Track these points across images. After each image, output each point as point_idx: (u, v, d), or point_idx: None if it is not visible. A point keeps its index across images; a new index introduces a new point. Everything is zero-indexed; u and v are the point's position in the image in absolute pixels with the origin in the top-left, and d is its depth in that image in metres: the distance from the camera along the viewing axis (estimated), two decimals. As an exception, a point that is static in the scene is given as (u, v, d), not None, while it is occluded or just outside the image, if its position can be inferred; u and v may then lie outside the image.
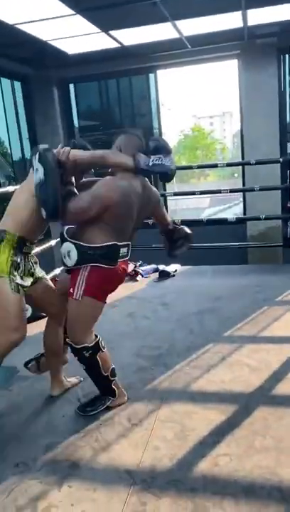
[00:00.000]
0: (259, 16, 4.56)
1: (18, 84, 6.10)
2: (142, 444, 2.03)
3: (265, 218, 5.02)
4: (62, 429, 2.22)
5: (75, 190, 2.17)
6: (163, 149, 2.17)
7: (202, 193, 6.34)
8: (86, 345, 2.22)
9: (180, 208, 21.27)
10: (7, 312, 2.08)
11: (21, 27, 4.29)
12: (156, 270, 4.95)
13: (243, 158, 5.84)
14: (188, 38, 5.02)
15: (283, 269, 5.03)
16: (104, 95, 6.69)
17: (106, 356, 2.29)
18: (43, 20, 4.15)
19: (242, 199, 6.75)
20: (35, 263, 2.34)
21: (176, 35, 4.91)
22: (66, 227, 2.23)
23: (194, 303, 3.87)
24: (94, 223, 2.12)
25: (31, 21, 4.18)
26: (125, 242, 2.20)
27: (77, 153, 2.12)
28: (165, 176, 2.21)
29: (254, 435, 2.02)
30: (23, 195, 2.15)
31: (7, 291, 2.08)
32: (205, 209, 24.10)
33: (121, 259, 2.20)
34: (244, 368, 2.65)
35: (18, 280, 2.12)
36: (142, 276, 4.82)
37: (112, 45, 5.10)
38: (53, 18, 4.12)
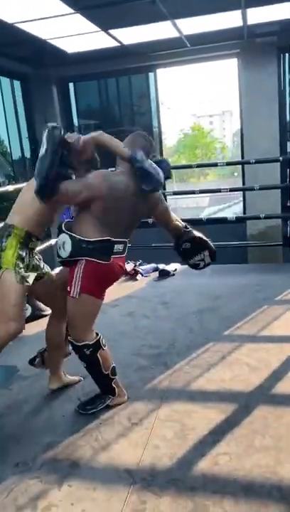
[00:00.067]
0: (259, 15, 4.55)
1: (17, 83, 6.08)
2: (142, 443, 2.03)
3: (265, 217, 5.01)
4: (62, 428, 2.22)
5: (74, 176, 2.24)
6: (164, 168, 2.26)
7: (201, 192, 6.37)
8: (86, 342, 2.23)
9: (179, 207, 21.25)
10: (9, 303, 2.12)
11: (20, 26, 4.28)
12: (155, 269, 4.95)
13: (243, 157, 5.84)
14: (187, 36, 5.01)
15: (283, 268, 5.03)
16: (104, 94, 6.68)
17: (107, 354, 2.29)
18: (43, 19, 4.14)
19: (241, 198, 6.74)
20: (39, 259, 2.38)
21: (176, 34, 4.90)
22: (64, 221, 2.28)
23: (194, 302, 3.87)
24: (88, 218, 2.15)
25: (30, 20, 4.17)
26: (120, 239, 2.20)
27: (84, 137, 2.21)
28: (150, 180, 2.16)
29: (253, 434, 2.02)
30: (30, 192, 2.18)
31: (11, 282, 2.12)
32: (205, 208, 24.11)
33: (116, 256, 2.19)
34: (244, 367, 2.65)
35: (23, 273, 2.16)
36: (142, 275, 4.82)
37: (112, 43, 5.09)
38: (53, 16, 4.11)
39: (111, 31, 4.70)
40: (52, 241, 4.14)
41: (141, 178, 2.16)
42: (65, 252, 2.18)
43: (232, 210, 20.41)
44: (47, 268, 2.41)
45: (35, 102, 6.22)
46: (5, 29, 4.23)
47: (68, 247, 2.16)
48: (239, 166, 6.61)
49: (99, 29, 4.57)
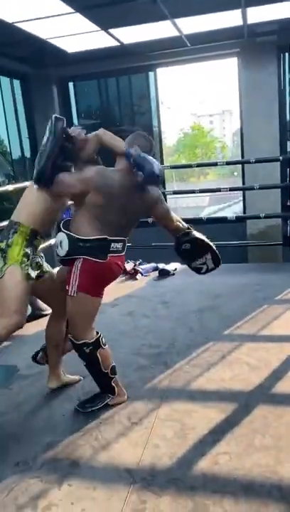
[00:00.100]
0: (259, 14, 4.55)
1: (17, 83, 6.08)
2: (142, 442, 2.03)
3: (265, 217, 5.02)
4: (62, 427, 2.22)
5: (72, 169, 2.29)
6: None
7: (201, 191, 6.33)
8: (86, 341, 2.24)
9: (179, 207, 21.26)
10: (12, 297, 2.14)
11: (21, 25, 4.28)
12: (155, 269, 4.95)
13: (243, 156, 5.84)
14: (187, 36, 5.01)
15: (283, 267, 5.03)
16: (104, 94, 6.68)
17: (106, 353, 2.30)
18: (43, 18, 4.15)
19: (241, 198, 6.75)
20: (42, 257, 2.41)
21: (176, 34, 4.90)
22: (63, 219, 2.30)
23: (194, 301, 3.87)
24: (85, 216, 2.16)
25: (30, 19, 4.17)
26: (118, 238, 2.19)
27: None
28: (151, 176, 2.16)
29: (253, 433, 2.02)
30: (37, 195, 2.23)
31: (17, 277, 2.15)
32: (205, 208, 24.12)
33: (114, 255, 2.19)
34: (244, 366, 2.65)
35: (28, 270, 2.19)
36: (142, 274, 4.82)
37: (112, 43, 5.09)
38: (53, 16, 4.12)
39: (111, 31, 4.71)
40: (52, 240, 4.14)
41: (137, 169, 2.16)
42: (63, 250, 2.20)
43: (232, 209, 20.42)
44: (48, 267, 2.43)
45: (35, 101, 6.22)
46: (5, 28, 4.23)
47: (65, 246, 2.18)
48: (239, 166, 6.61)
49: (99, 28, 4.57)
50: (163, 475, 1.82)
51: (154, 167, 2.17)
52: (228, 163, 7.74)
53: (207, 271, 2.50)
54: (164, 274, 4.79)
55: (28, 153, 6.31)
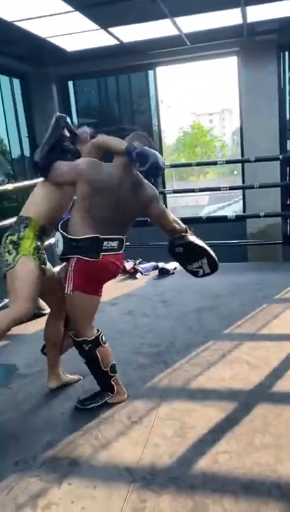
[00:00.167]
0: (259, 13, 4.55)
1: (16, 82, 6.08)
2: (142, 441, 2.03)
3: (265, 216, 5.02)
4: (61, 426, 2.22)
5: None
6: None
7: (201, 190, 6.34)
8: (85, 338, 2.24)
9: (179, 206, 21.25)
10: (24, 285, 2.17)
11: (20, 24, 4.28)
12: (155, 268, 4.95)
13: (242, 155, 5.84)
14: (187, 34, 5.00)
15: (283, 266, 5.04)
16: (103, 92, 6.67)
17: (106, 351, 2.30)
18: (42, 17, 4.14)
19: (241, 196, 6.75)
20: (45, 255, 2.42)
21: (175, 32, 4.90)
22: (63, 219, 2.31)
23: (193, 300, 3.87)
24: (78, 215, 2.17)
25: (30, 18, 4.17)
26: (112, 236, 2.17)
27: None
28: (155, 166, 2.15)
29: (253, 432, 2.02)
30: (44, 187, 2.30)
31: (29, 266, 2.20)
32: (205, 207, 24.10)
33: (109, 253, 2.17)
34: (244, 365, 2.65)
35: (38, 262, 2.24)
36: (141, 274, 4.82)
37: (111, 42, 5.09)
38: (52, 15, 4.11)
39: (111, 29, 4.70)
40: (52, 240, 4.14)
41: (140, 161, 2.16)
42: (59, 250, 2.23)
43: (232, 208, 20.41)
44: (50, 265, 2.44)
45: (35, 100, 6.21)
46: (4, 27, 4.23)
47: (61, 246, 2.22)
48: (239, 165, 6.60)
49: (98, 27, 4.57)
50: (163, 474, 1.82)
51: (158, 158, 2.16)
52: (228, 162, 7.69)
53: (204, 275, 2.48)
54: (164, 273, 4.79)
55: (27, 153, 6.30)
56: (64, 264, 2.45)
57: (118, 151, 2.23)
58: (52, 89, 6.21)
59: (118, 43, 5.13)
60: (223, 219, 5.60)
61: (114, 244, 2.19)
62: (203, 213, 17.79)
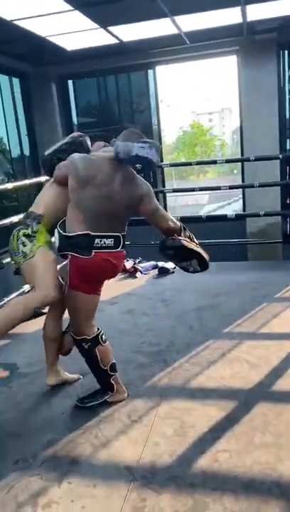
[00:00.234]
0: (259, 11, 4.54)
1: (16, 81, 6.06)
2: (142, 440, 2.04)
3: (264, 215, 5.01)
4: (62, 425, 2.22)
5: None
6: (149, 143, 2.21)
7: (201, 189, 6.34)
8: (85, 337, 2.26)
9: (179, 205, 21.24)
10: (47, 271, 2.22)
11: (19, 23, 4.27)
12: (155, 267, 4.95)
13: (242, 154, 5.83)
14: (186, 33, 4.99)
15: (283, 265, 5.03)
16: (103, 92, 6.66)
17: (106, 350, 2.30)
18: (41, 16, 4.14)
19: (241, 195, 6.74)
20: None
21: (175, 31, 4.89)
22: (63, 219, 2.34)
23: (193, 299, 3.87)
24: (71, 212, 2.19)
25: (29, 17, 4.16)
26: (106, 233, 2.16)
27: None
28: (149, 164, 2.19)
29: (253, 431, 2.02)
30: (51, 189, 2.40)
31: (49, 255, 2.26)
32: (204, 206, 24.08)
33: (102, 251, 2.15)
34: (244, 364, 2.66)
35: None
36: (141, 273, 4.82)
37: (111, 41, 5.08)
38: (51, 13, 4.10)
39: (111, 28, 4.69)
40: (52, 238, 4.14)
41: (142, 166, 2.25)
42: (56, 247, 2.28)
43: (232, 207, 20.39)
44: None
45: (34, 99, 6.20)
46: (4, 26, 4.22)
47: (57, 242, 2.27)
48: (239, 164, 6.59)
49: (98, 26, 4.56)
50: (163, 473, 1.82)
51: (152, 159, 2.14)
52: (228, 161, 7.67)
53: (195, 272, 2.46)
54: (164, 272, 4.79)
55: (27, 152, 6.29)
56: (64, 262, 2.46)
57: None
58: (52, 88, 6.20)
59: (118, 42, 5.12)
60: (223, 218, 5.59)
61: (109, 241, 2.17)
62: (203, 212, 17.77)
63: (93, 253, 2.14)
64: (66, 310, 2.43)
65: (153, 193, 2.29)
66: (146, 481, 1.79)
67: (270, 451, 1.88)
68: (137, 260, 5.02)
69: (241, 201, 6.63)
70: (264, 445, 1.93)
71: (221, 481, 1.75)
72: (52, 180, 2.44)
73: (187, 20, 4.58)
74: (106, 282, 2.32)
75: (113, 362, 2.33)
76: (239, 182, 6.27)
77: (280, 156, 5.20)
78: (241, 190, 6.57)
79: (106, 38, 4.99)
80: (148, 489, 1.74)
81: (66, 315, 2.45)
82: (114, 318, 3.58)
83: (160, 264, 4.92)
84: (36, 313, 3.65)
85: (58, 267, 2.57)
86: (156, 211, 2.28)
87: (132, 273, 4.78)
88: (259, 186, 4.95)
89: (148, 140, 2.21)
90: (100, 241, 2.15)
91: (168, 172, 27.79)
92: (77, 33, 4.73)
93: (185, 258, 2.39)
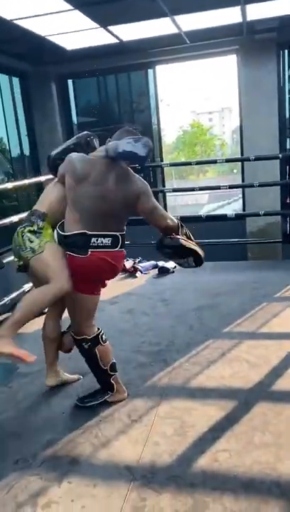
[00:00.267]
0: (258, 11, 4.53)
1: (16, 80, 6.05)
2: (142, 440, 2.04)
3: (264, 214, 5.01)
4: (61, 425, 2.22)
5: None
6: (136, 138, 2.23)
7: (201, 189, 6.33)
8: (85, 337, 2.26)
9: (179, 205, 21.23)
10: (58, 264, 2.21)
11: (19, 22, 4.27)
12: (155, 266, 4.95)
13: (242, 154, 5.83)
14: (186, 33, 4.99)
15: (283, 265, 5.03)
16: (103, 91, 6.65)
17: (106, 350, 2.30)
18: (41, 15, 4.13)
19: (241, 195, 6.74)
20: None
21: (175, 31, 4.88)
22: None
23: (193, 299, 3.87)
24: (68, 211, 2.20)
25: (29, 16, 4.16)
26: (103, 232, 2.15)
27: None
28: (135, 159, 2.16)
29: (253, 431, 2.02)
30: (55, 189, 2.40)
31: (59, 249, 2.25)
32: (204, 205, 24.07)
33: (98, 250, 2.14)
34: (244, 363, 2.66)
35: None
36: (141, 272, 4.82)
37: (111, 40, 5.07)
38: (51, 13, 4.10)
39: (111, 28, 4.69)
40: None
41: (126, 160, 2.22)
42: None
43: (232, 207, 20.38)
44: None
45: (34, 99, 6.20)
46: (3, 26, 4.22)
47: (56, 242, 2.27)
48: (239, 163, 6.59)
49: (98, 26, 4.55)
50: (163, 472, 1.83)
51: (138, 153, 2.13)
52: (227, 161, 7.67)
53: (189, 267, 2.47)
54: (164, 271, 4.79)
55: (26, 151, 6.29)
56: None
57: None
58: (52, 87, 6.19)
59: (117, 41, 5.12)
60: (223, 217, 5.60)
61: (106, 241, 2.15)
62: (203, 212, 17.74)
63: (89, 252, 2.14)
64: (66, 310, 2.43)
65: (150, 191, 2.25)
66: (146, 480, 1.79)
67: (270, 451, 1.89)
68: (137, 260, 5.02)
69: (241, 201, 6.63)
70: (263, 445, 1.93)
71: (221, 481, 1.75)
72: (56, 180, 2.44)
73: (187, 19, 4.58)
74: (106, 281, 2.32)
75: (113, 362, 2.34)
76: (239, 181, 6.26)
77: (280, 155, 5.19)
78: (241, 189, 6.56)
79: (106, 38, 4.98)
80: (148, 489, 1.74)
81: (66, 315, 2.45)
82: (114, 317, 3.58)
83: (160, 263, 4.92)
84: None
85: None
86: (153, 210, 2.25)
87: (132, 273, 4.78)
88: (259, 186, 4.94)
89: (139, 136, 2.23)
90: (97, 240, 2.14)
91: (168, 171, 27.78)
92: (77, 32, 4.73)
93: (183, 255, 2.39)
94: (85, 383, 2.54)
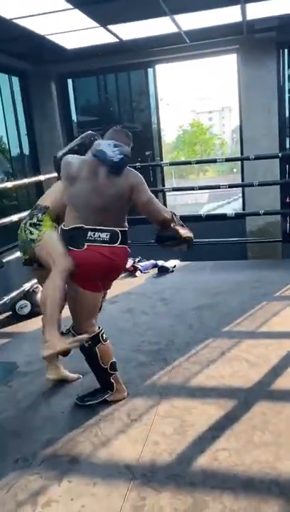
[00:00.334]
0: (258, 10, 4.53)
1: (15, 80, 6.05)
2: (142, 439, 2.04)
3: (264, 213, 5.01)
4: (61, 424, 2.22)
5: None
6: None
7: (201, 188, 6.32)
8: (85, 335, 2.24)
9: (178, 204, 21.23)
10: (58, 245, 2.25)
11: (19, 21, 4.26)
12: (154, 266, 4.95)
13: (242, 153, 5.83)
14: (186, 32, 4.98)
15: (282, 264, 5.03)
16: (103, 90, 6.65)
17: (106, 349, 2.31)
18: (41, 14, 4.12)
19: (241, 194, 6.74)
20: None
21: (175, 30, 4.88)
22: None
23: (193, 298, 3.87)
24: (67, 207, 2.25)
25: (29, 16, 4.15)
26: (100, 227, 2.16)
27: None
28: (110, 163, 2.18)
29: (253, 430, 2.03)
30: (59, 186, 2.46)
31: (55, 234, 2.34)
32: (204, 204, 24.07)
33: (95, 244, 2.16)
34: (243, 363, 2.66)
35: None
36: (141, 271, 4.82)
37: (111, 39, 5.07)
38: (51, 12, 4.09)
39: (110, 27, 4.68)
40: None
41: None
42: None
43: (232, 206, 20.37)
44: None
45: (34, 98, 6.19)
46: (3, 25, 4.21)
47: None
48: (239, 163, 6.58)
49: (97, 25, 4.55)
50: (163, 471, 1.83)
51: (107, 155, 2.18)
52: (227, 160, 7.66)
53: (181, 250, 2.50)
54: (163, 271, 4.79)
55: (26, 151, 6.28)
56: None
57: None
58: (52, 87, 6.19)
59: (117, 40, 5.11)
60: (223, 217, 5.59)
61: (104, 235, 2.17)
62: (203, 211, 17.73)
63: (86, 246, 2.16)
64: (67, 309, 2.43)
65: (144, 183, 2.28)
66: (146, 479, 1.79)
67: (269, 450, 1.89)
68: (137, 259, 5.02)
69: (241, 200, 6.62)
70: (263, 444, 1.93)
71: (221, 480, 1.75)
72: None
73: (187, 18, 4.57)
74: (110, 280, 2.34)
75: (113, 361, 2.34)
76: (239, 181, 6.26)
77: (280, 154, 5.20)
78: (241, 189, 6.57)
79: (106, 37, 4.98)
80: (147, 488, 1.74)
81: (66, 314, 2.45)
82: (114, 317, 3.58)
83: (160, 263, 4.92)
84: (35, 312, 3.67)
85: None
86: (149, 203, 2.26)
87: (132, 272, 4.78)
88: (259, 185, 4.94)
89: (121, 144, 2.26)
90: (94, 234, 2.16)
91: (168, 171, 27.78)
92: (76, 31, 4.73)
93: (178, 243, 2.42)
94: (85, 382, 2.54)
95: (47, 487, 1.80)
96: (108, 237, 2.18)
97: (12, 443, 2.11)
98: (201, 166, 40.81)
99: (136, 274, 4.76)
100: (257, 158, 4.92)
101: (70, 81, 6.48)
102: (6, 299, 3.59)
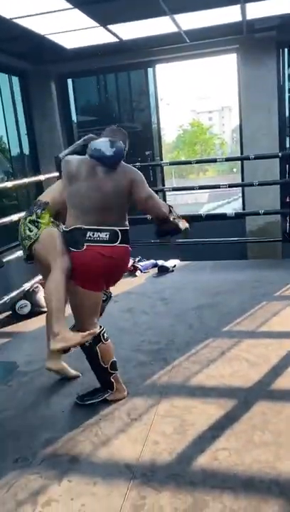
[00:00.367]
0: (258, 10, 4.53)
1: (15, 80, 6.05)
2: (142, 438, 2.04)
3: (264, 213, 5.02)
4: (61, 423, 2.22)
5: None
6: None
7: (201, 188, 6.31)
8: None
9: (178, 204, 21.22)
10: (58, 244, 2.27)
11: (19, 21, 4.26)
12: (154, 265, 4.95)
13: (242, 153, 5.82)
14: (186, 32, 4.98)
15: (282, 264, 5.03)
16: (103, 90, 6.65)
17: (107, 348, 2.31)
18: (41, 14, 4.12)
19: (241, 194, 6.74)
20: None
21: (175, 29, 4.88)
22: None
23: (193, 298, 3.87)
24: (68, 208, 2.26)
25: (29, 15, 4.15)
26: (100, 227, 2.17)
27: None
28: (102, 159, 2.22)
29: (253, 429, 2.03)
30: (60, 184, 2.48)
31: (55, 232, 2.35)
32: (204, 204, 24.07)
33: (95, 244, 2.16)
34: (243, 362, 2.66)
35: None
36: (141, 271, 4.82)
37: (111, 39, 5.07)
38: (51, 12, 4.09)
39: (110, 27, 4.68)
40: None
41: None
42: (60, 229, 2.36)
43: (231, 206, 20.37)
44: None
45: (34, 98, 6.19)
46: (3, 24, 4.21)
47: None
48: (239, 162, 6.58)
49: (97, 24, 4.55)
50: (163, 471, 1.83)
51: (102, 150, 2.21)
52: (227, 160, 7.65)
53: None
54: (163, 270, 4.79)
55: (26, 150, 6.28)
56: None
57: None
58: (52, 86, 6.19)
59: (117, 40, 5.11)
60: (222, 217, 5.59)
61: (104, 235, 2.17)
62: (203, 211, 17.71)
63: (85, 246, 2.16)
64: (68, 309, 2.43)
65: (143, 179, 2.30)
66: (146, 479, 1.79)
67: (269, 450, 1.89)
68: (137, 259, 5.02)
69: (240, 200, 6.62)
70: (263, 443, 1.93)
71: (220, 479, 1.75)
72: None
73: (187, 18, 4.57)
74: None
75: (114, 360, 2.34)
76: (239, 180, 6.26)
77: (280, 154, 5.19)
78: (240, 188, 6.57)
79: (106, 37, 4.98)
80: (147, 487, 1.74)
81: (67, 313, 2.45)
82: (114, 316, 3.58)
83: (160, 262, 4.92)
84: (35, 312, 3.67)
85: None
86: (149, 198, 2.29)
87: (132, 271, 4.78)
88: (259, 185, 4.94)
89: (114, 140, 2.28)
90: (93, 234, 2.17)
91: (168, 170, 27.81)
92: (76, 31, 4.72)
93: (175, 233, 2.48)
94: (85, 381, 2.54)
95: (47, 486, 1.80)
96: (107, 236, 2.18)
97: (12, 442, 2.11)
98: (201, 166, 40.85)
99: (136, 273, 4.76)
100: (257, 157, 4.92)
101: (69, 81, 6.48)
102: (6, 298, 3.59)
